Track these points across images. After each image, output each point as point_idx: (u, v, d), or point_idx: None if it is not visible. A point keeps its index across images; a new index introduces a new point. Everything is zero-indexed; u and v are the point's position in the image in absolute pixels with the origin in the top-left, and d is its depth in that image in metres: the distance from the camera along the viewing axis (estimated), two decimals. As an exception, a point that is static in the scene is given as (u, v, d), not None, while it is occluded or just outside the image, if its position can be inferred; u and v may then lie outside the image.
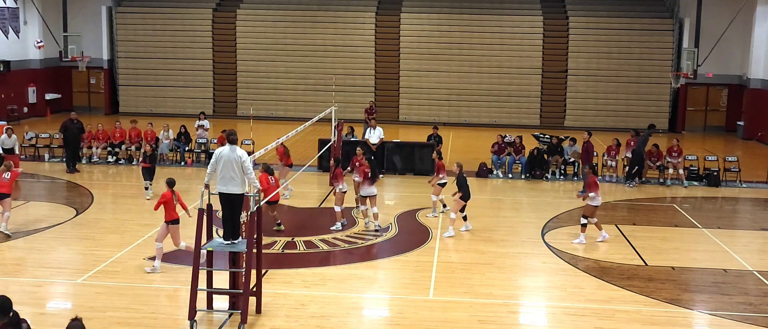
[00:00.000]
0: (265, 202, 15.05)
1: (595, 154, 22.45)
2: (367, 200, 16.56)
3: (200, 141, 24.40)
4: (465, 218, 16.34)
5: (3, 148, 20.81)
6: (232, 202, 11.20)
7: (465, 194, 16.00)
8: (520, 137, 23.60)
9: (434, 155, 18.67)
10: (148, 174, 18.96)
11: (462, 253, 14.96)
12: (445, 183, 17.77)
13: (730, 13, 29.77)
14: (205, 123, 24.99)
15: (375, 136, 22.87)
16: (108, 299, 12.08)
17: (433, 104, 34.37)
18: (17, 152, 22.08)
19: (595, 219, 15.90)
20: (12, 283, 12.75)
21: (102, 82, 36.04)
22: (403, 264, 14.29)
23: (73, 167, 22.24)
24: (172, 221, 13.44)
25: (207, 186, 11.07)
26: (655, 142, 23.44)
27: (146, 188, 19.02)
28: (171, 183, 13.72)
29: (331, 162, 16.98)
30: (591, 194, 15.63)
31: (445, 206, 17.91)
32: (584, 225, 15.77)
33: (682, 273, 14.16)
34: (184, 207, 13.87)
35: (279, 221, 15.96)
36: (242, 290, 11.00)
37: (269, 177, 15.63)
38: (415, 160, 23.19)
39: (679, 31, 33.32)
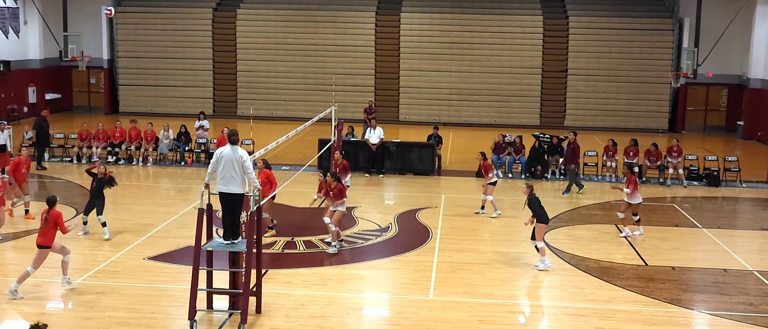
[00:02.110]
0: (270, 198, 15.09)
1: (594, 153, 22.47)
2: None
3: (200, 141, 24.41)
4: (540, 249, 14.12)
5: None
6: (233, 202, 11.20)
7: (540, 216, 14.07)
8: (520, 137, 23.60)
9: (478, 157, 18.59)
10: (97, 202, 15.50)
11: (462, 253, 14.95)
12: (496, 183, 17.84)
13: (730, 13, 29.75)
14: (205, 123, 25.00)
15: (375, 135, 22.88)
16: (108, 299, 12.07)
17: (433, 104, 34.36)
18: (9, 149, 22.08)
19: (622, 215, 16.39)
20: (12, 283, 12.74)
21: (102, 81, 36.04)
22: (403, 264, 14.29)
23: (39, 164, 22.36)
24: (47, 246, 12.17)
25: (207, 186, 11.07)
26: (654, 141, 23.46)
27: (84, 222, 15.65)
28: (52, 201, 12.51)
29: (324, 177, 15.17)
30: (626, 190, 16.19)
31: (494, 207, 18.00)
32: (638, 221, 16.28)
33: (682, 273, 14.16)
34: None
35: (274, 220, 15.93)
36: (242, 290, 11.00)
37: (271, 173, 15.62)
38: (414, 159, 23.18)
39: (679, 31, 33.31)
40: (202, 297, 11.22)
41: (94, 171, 15.76)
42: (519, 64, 34.04)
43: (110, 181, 15.66)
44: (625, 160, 22.89)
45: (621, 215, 16.53)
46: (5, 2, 31.96)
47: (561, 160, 22.81)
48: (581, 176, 22.87)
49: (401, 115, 34.39)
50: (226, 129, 23.17)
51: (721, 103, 34.64)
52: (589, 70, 33.88)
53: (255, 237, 11.12)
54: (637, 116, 33.59)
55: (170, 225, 16.47)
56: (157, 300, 12.11)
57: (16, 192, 16.87)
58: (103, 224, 15.31)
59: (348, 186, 16.46)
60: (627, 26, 33.70)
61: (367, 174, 22.64)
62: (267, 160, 15.86)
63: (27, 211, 16.87)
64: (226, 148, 11.21)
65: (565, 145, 23.10)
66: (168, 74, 35.17)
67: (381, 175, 22.54)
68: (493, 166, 18.31)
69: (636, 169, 21.73)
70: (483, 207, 18.16)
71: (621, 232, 16.49)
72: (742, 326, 11.64)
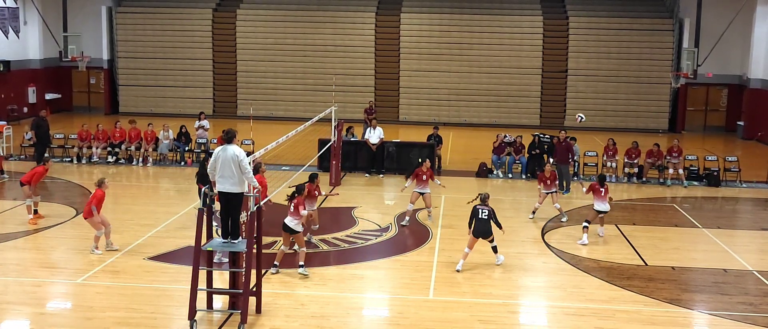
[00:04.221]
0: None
1: (594, 153, 22.42)
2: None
3: (200, 141, 24.39)
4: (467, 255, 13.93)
5: None
6: (229, 202, 11.17)
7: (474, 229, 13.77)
8: (520, 136, 23.60)
9: (548, 162, 18.51)
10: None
11: (462, 253, 14.92)
12: (556, 192, 17.83)
13: (730, 13, 29.77)
14: (205, 123, 24.99)
15: (375, 136, 22.86)
16: (108, 299, 12.08)
17: (433, 104, 34.37)
18: (2, 154, 22.09)
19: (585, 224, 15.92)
20: (12, 283, 12.76)
21: (102, 82, 36.05)
22: (403, 264, 14.28)
23: (40, 161, 22.33)
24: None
25: (213, 184, 11.07)
26: (656, 141, 23.47)
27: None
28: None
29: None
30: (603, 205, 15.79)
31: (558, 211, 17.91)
32: (586, 227, 15.77)
33: (682, 273, 14.16)
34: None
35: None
36: (242, 290, 11.00)
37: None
38: (414, 159, 23.14)
39: (679, 31, 33.32)
40: (202, 297, 11.21)
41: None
42: (519, 64, 34.05)
43: None
44: (626, 160, 22.89)
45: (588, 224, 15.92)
46: (5, 2, 31.97)
47: (551, 159, 22.62)
48: (580, 177, 22.88)
49: (401, 115, 34.40)
50: (191, 127, 23.98)
51: (721, 103, 34.65)
52: (589, 70, 33.89)
53: (255, 237, 11.13)
54: (637, 116, 33.59)
55: (170, 225, 16.47)
56: (157, 300, 12.10)
57: (27, 193, 16.75)
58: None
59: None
60: (627, 26, 33.71)
61: (367, 174, 22.64)
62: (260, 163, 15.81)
63: (36, 211, 16.73)
64: (221, 148, 11.18)
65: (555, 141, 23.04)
66: (168, 74, 35.17)
67: (381, 175, 22.54)
68: (556, 175, 18.18)
69: (608, 180, 21.58)
70: (534, 212, 17.97)
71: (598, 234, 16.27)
72: (742, 326, 11.64)
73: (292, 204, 13.28)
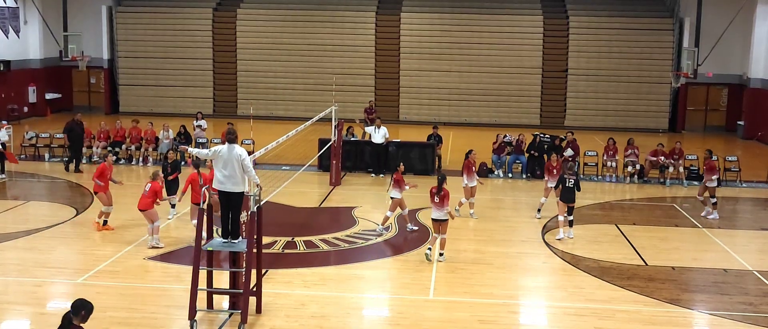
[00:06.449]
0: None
1: (594, 153, 22.36)
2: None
3: (199, 140, 24.40)
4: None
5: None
6: (232, 201, 11.19)
7: None
8: (522, 135, 23.60)
9: (554, 155, 18.79)
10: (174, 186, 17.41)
11: (462, 253, 14.95)
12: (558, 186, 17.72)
13: (730, 12, 29.76)
14: (203, 123, 25.01)
15: (379, 135, 22.80)
16: (108, 299, 12.07)
17: (433, 104, 34.37)
18: (9, 148, 22.09)
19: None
20: (12, 283, 12.77)
21: (102, 81, 36.05)
22: (403, 264, 14.29)
23: (77, 167, 22.22)
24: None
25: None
26: (658, 141, 23.48)
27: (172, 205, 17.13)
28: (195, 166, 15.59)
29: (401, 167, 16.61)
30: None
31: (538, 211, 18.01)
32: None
33: (682, 273, 14.16)
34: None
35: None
36: (242, 290, 11.00)
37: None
38: (414, 159, 23.13)
39: (679, 31, 33.31)
40: (202, 297, 11.21)
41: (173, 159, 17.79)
42: (519, 64, 34.04)
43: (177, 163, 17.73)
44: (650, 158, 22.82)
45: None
46: (5, 2, 31.96)
47: (561, 159, 22.67)
48: (581, 176, 22.88)
49: (401, 115, 34.39)
50: (191, 127, 24.44)
51: (721, 103, 34.64)
52: (589, 70, 33.87)
53: (255, 237, 11.13)
54: (637, 116, 33.58)
55: (170, 225, 16.47)
56: (157, 300, 12.11)
57: (105, 200, 16.19)
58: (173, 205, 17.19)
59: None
60: (627, 26, 33.70)
61: (373, 174, 22.63)
62: None
63: (105, 222, 16.17)
64: (224, 147, 11.20)
65: (564, 145, 23.10)
66: (168, 74, 35.17)
67: (381, 175, 22.52)
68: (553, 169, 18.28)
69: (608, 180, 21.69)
70: (539, 211, 18.00)
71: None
72: (742, 326, 11.64)
73: (439, 196, 14.17)
